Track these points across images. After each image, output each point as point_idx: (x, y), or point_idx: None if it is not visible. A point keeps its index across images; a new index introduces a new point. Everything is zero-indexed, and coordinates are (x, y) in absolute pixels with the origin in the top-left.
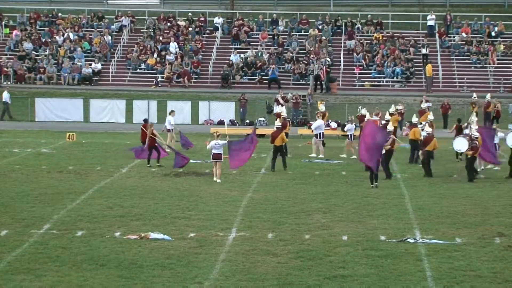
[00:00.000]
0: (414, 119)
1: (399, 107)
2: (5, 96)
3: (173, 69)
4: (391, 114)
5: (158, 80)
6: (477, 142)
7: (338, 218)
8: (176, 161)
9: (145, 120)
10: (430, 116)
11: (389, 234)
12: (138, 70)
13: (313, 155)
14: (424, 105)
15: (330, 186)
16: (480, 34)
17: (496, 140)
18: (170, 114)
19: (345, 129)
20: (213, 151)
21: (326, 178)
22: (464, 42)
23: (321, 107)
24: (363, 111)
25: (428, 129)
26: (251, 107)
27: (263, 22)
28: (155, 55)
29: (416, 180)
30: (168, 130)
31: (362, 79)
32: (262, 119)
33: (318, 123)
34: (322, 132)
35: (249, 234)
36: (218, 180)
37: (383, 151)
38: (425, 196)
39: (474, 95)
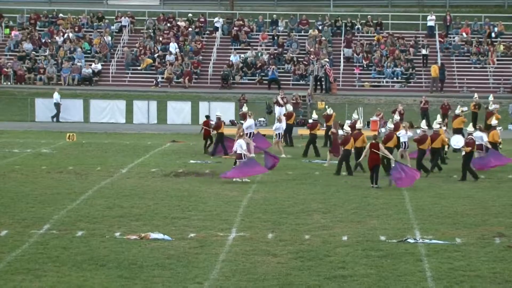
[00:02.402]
0: (494, 121)
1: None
2: (56, 97)
3: (174, 69)
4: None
5: (158, 80)
6: None
7: (338, 218)
8: (266, 161)
9: (207, 117)
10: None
11: (389, 234)
12: (135, 69)
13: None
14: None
15: (330, 186)
16: (480, 34)
17: (405, 139)
18: (250, 116)
19: (273, 128)
20: (238, 151)
21: (326, 178)
22: (464, 43)
23: (288, 107)
24: (329, 110)
25: (390, 125)
26: (251, 107)
27: (263, 23)
28: (156, 56)
29: (416, 181)
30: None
31: (362, 80)
32: (262, 119)
33: (249, 123)
34: (253, 132)
35: (249, 234)
36: (243, 179)
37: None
38: (425, 196)
39: (475, 95)
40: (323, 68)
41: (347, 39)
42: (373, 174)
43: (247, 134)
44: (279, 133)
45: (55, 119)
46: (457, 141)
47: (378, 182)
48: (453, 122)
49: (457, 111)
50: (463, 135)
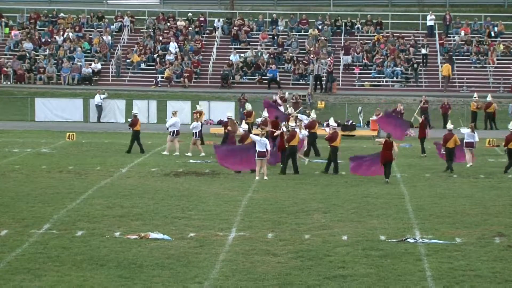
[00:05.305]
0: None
1: None
2: (98, 99)
3: (173, 69)
4: None
5: (158, 80)
6: None
7: (338, 218)
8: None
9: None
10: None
11: (389, 234)
12: (132, 69)
13: (189, 154)
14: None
15: (330, 186)
16: (480, 34)
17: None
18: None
19: (191, 127)
20: (257, 149)
21: (326, 178)
22: (464, 42)
23: (247, 106)
24: (290, 110)
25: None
26: (251, 106)
27: (263, 22)
28: (156, 56)
29: (416, 180)
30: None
31: (362, 79)
32: (262, 118)
33: (172, 121)
34: (199, 131)
35: (249, 234)
36: (266, 178)
37: None
38: (425, 196)
39: (475, 95)
40: (327, 67)
41: (345, 46)
42: (386, 170)
43: (170, 132)
44: (196, 132)
45: (100, 120)
46: None
47: (389, 177)
48: None
49: None
50: None
